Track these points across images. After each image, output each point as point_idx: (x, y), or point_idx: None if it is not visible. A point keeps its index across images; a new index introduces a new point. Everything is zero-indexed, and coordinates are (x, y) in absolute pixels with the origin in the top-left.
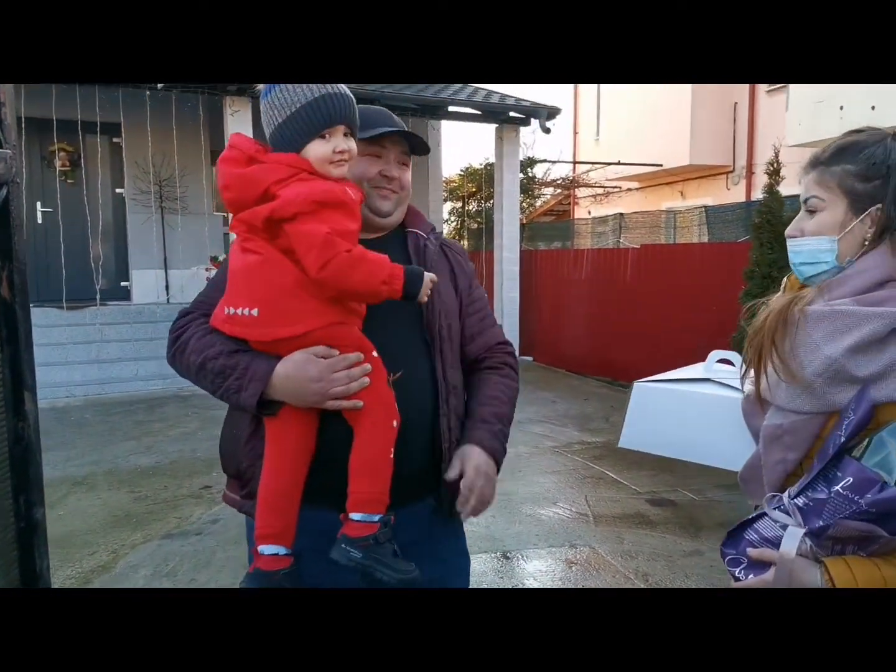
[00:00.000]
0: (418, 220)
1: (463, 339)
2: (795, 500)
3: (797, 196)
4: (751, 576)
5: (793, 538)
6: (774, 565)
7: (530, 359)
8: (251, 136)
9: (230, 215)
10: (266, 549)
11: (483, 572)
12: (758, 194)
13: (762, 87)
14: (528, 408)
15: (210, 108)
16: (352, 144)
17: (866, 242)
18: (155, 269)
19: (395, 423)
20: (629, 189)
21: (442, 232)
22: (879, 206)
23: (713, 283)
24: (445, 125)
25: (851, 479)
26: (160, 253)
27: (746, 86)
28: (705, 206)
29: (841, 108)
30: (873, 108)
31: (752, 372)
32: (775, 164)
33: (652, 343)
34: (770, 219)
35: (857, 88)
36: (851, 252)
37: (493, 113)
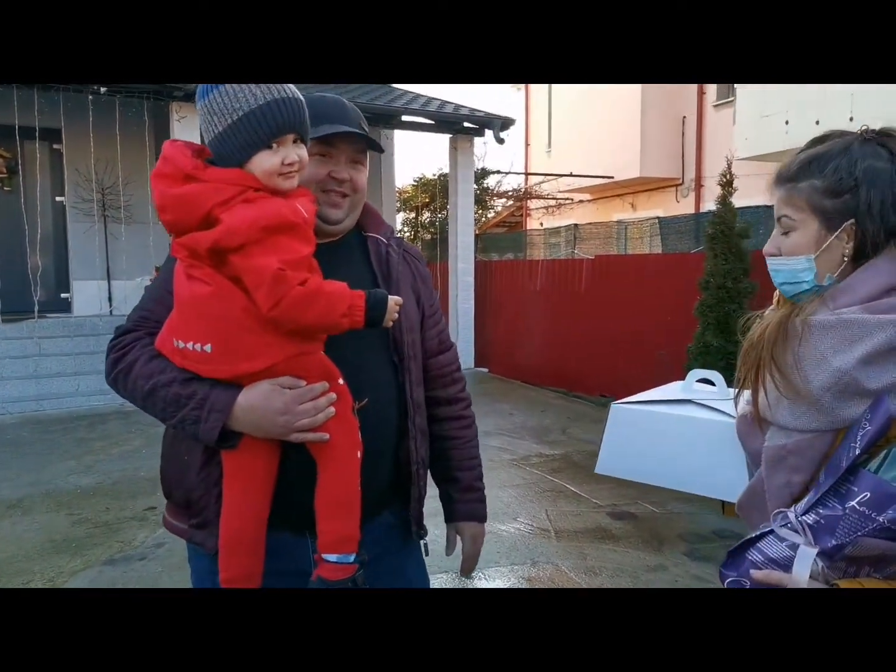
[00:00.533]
0: (377, 222)
1: (425, 353)
2: (805, 517)
3: (748, 207)
4: None
5: (805, 559)
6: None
7: (486, 370)
8: (199, 142)
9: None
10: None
11: None
12: (706, 206)
13: (709, 102)
14: (485, 420)
15: (156, 113)
16: (303, 153)
17: (845, 258)
18: (97, 279)
19: (359, 454)
20: (581, 201)
21: (402, 237)
22: (853, 220)
23: (668, 294)
24: (399, 134)
25: (869, 494)
26: (103, 263)
27: (694, 100)
28: (658, 218)
29: (786, 122)
30: (817, 122)
31: (747, 390)
32: (728, 176)
33: (607, 353)
34: (724, 230)
35: (802, 103)
36: (832, 269)
37: (447, 123)
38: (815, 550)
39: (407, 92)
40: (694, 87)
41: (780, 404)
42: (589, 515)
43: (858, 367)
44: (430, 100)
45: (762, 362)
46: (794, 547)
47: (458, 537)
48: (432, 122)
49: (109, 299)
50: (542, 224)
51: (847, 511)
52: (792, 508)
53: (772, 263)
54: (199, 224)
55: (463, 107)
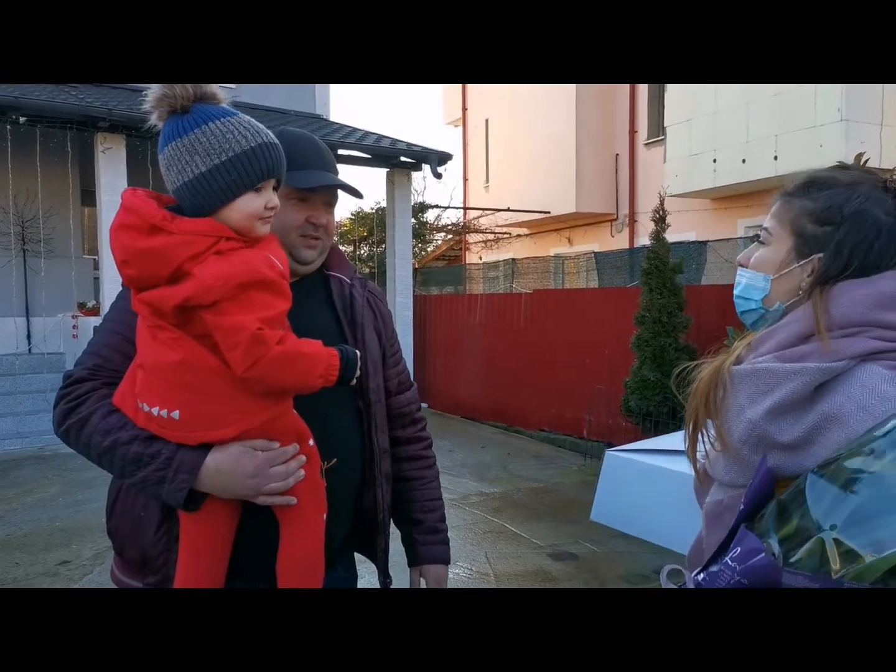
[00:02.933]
0: (339, 261)
1: (385, 393)
2: (697, 575)
3: (680, 243)
4: None
5: None
6: None
7: (426, 405)
8: (125, 175)
9: (98, 258)
10: None
11: None
12: (640, 241)
13: (641, 140)
14: None
15: (80, 144)
16: (276, 199)
17: (801, 291)
18: (14, 316)
19: (324, 516)
20: (519, 235)
21: (364, 277)
22: (821, 255)
23: (606, 328)
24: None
25: (739, 549)
26: (21, 299)
27: (626, 138)
28: (595, 252)
29: (714, 161)
30: (744, 161)
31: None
32: (661, 212)
33: (546, 388)
34: (658, 265)
35: (729, 143)
36: (784, 297)
37: (384, 157)
38: None
39: (343, 126)
40: (626, 125)
41: (718, 458)
42: (529, 557)
43: (768, 418)
44: (366, 134)
45: (699, 415)
46: None
47: (423, 580)
48: (369, 157)
49: (28, 337)
50: (480, 258)
51: (722, 566)
52: (694, 569)
53: (738, 273)
54: (166, 279)
55: (400, 141)
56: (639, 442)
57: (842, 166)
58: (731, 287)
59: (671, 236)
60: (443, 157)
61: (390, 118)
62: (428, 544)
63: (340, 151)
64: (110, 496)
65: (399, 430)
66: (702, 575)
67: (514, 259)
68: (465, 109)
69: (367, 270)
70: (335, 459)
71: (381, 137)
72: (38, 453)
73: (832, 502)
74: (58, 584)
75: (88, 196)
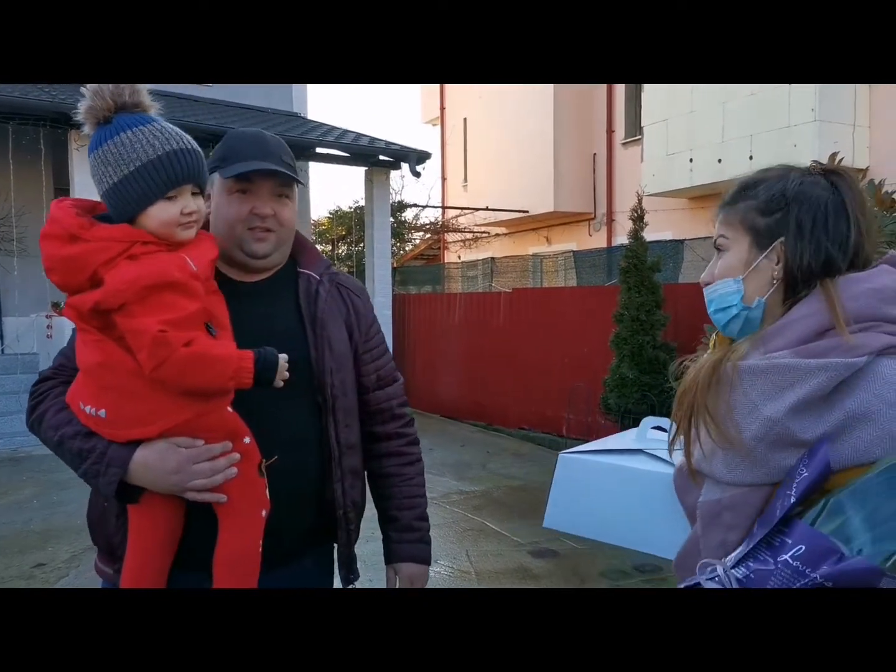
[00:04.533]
0: (311, 258)
1: (360, 389)
2: (734, 570)
3: (657, 242)
4: None
5: None
6: None
7: None
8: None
9: None
10: None
11: None
12: (618, 240)
13: (618, 140)
14: None
15: (53, 142)
16: (200, 204)
17: (775, 280)
18: None
19: (263, 513)
20: (497, 234)
21: (338, 270)
22: (782, 239)
23: (584, 326)
24: (314, 166)
25: (804, 548)
26: None
27: (604, 137)
28: (573, 251)
29: (690, 160)
30: (720, 160)
31: (681, 440)
32: (639, 211)
33: (525, 386)
34: (636, 263)
35: (705, 143)
36: (761, 291)
37: (363, 156)
38: None
39: (321, 124)
40: (603, 125)
41: (715, 456)
42: (510, 555)
43: (790, 416)
44: (345, 132)
45: (695, 410)
46: None
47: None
48: (347, 155)
49: (1, 337)
50: (459, 257)
51: (779, 565)
52: (721, 561)
53: (706, 293)
54: (87, 284)
55: (378, 140)
56: (589, 444)
57: (766, 168)
58: None
59: (649, 235)
60: (421, 156)
61: (368, 117)
62: (402, 542)
63: (318, 150)
64: (91, 493)
65: (378, 426)
66: (741, 570)
67: (492, 258)
68: (442, 108)
69: (345, 269)
70: (276, 458)
71: (359, 136)
72: (11, 455)
73: None
74: (33, 587)
75: (62, 194)
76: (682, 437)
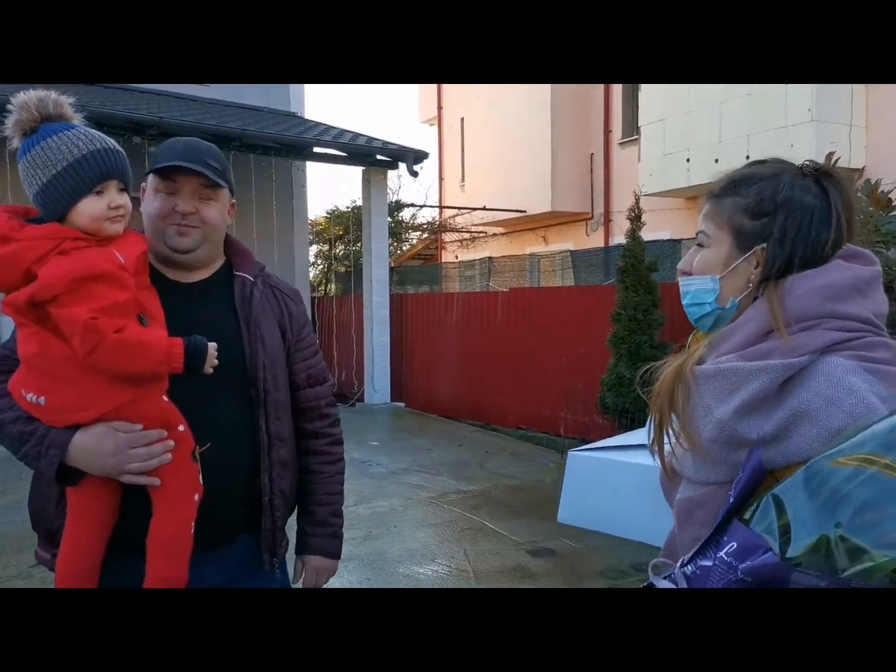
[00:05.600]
0: (245, 261)
1: (292, 385)
2: (685, 567)
3: (654, 241)
4: None
5: None
6: None
7: (403, 405)
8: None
9: None
10: None
11: None
12: (615, 240)
13: (615, 140)
14: (403, 457)
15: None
16: (126, 200)
17: (751, 284)
18: None
19: (196, 497)
20: (495, 234)
21: (270, 273)
22: (764, 245)
23: (582, 326)
24: (311, 166)
25: (735, 544)
26: None
27: (601, 137)
28: (570, 251)
29: (687, 160)
30: (717, 160)
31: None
32: (637, 211)
33: (523, 386)
34: (634, 263)
35: (702, 142)
36: (736, 293)
37: (360, 155)
38: None
39: (319, 123)
40: (601, 125)
41: (685, 456)
42: (508, 554)
43: (736, 417)
44: (342, 132)
45: (664, 414)
46: None
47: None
48: (345, 155)
49: None
50: (457, 257)
51: (717, 561)
52: (680, 560)
53: (682, 283)
54: (21, 282)
55: (376, 139)
56: (599, 441)
57: (760, 161)
58: None
59: (646, 235)
60: (419, 156)
61: (366, 116)
62: (315, 535)
63: (316, 149)
64: (32, 477)
65: (307, 423)
66: (689, 567)
67: (490, 258)
68: (440, 108)
69: (342, 269)
70: (209, 445)
71: (356, 135)
72: (9, 455)
73: (836, 499)
74: (31, 586)
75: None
76: (657, 440)
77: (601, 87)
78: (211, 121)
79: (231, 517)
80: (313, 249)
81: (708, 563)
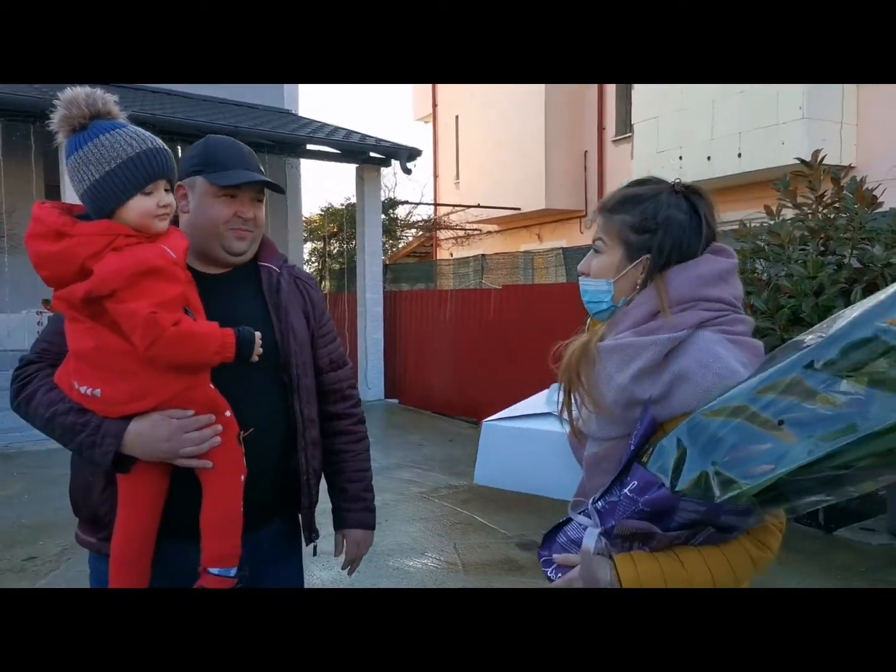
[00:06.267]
0: (270, 252)
1: (316, 370)
2: (596, 504)
3: None
4: (559, 575)
5: (591, 537)
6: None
7: (396, 401)
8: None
9: None
10: None
11: None
12: None
13: (609, 137)
14: (396, 453)
15: (43, 138)
16: (172, 199)
17: (637, 286)
18: None
19: (242, 478)
20: (489, 232)
21: (292, 263)
22: (648, 256)
23: (574, 322)
24: (306, 163)
25: (636, 482)
26: None
27: (595, 135)
28: (563, 248)
29: (680, 157)
30: (709, 158)
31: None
32: None
33: (515, 382)
34: None
35: (694, 140)
36: (626, 292)
37: (354, 152)
38: (598, 530)
39: (312, 120)
40: (595, 123)
41: (591, 418)
42: (497, 547)
43: (633, 381)
44: (336, 129)
45: (573, 384)
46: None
47: (345, 542)
48: (338, 152)
49: None
50: (451, 254)
51: (622, 497)
52: (592, 497)
53: (582, 283)
54: (75, 277)
55: (369, 137)
56: (507, 410)
57: (641, 182)
58: None
59: None
60: (412, 153)
61: (360, 114)
62: (351, 510)
63: (309, 146)
64: (71, 467)
65: (331, 406)
66: (600, 503)
67: (483, 255)
68: (435, 106)
69: (337, 267)
70: (252, 429)
71: (350, 133)
72: (2, 451)
73: (711, 443)
74: (24, 580)
75: (53, 191)
76: (566, 406)
77: (595, 84)
78: (203, 118)
79: (268, 497)
80: (308, 247)
81: (615, 499)
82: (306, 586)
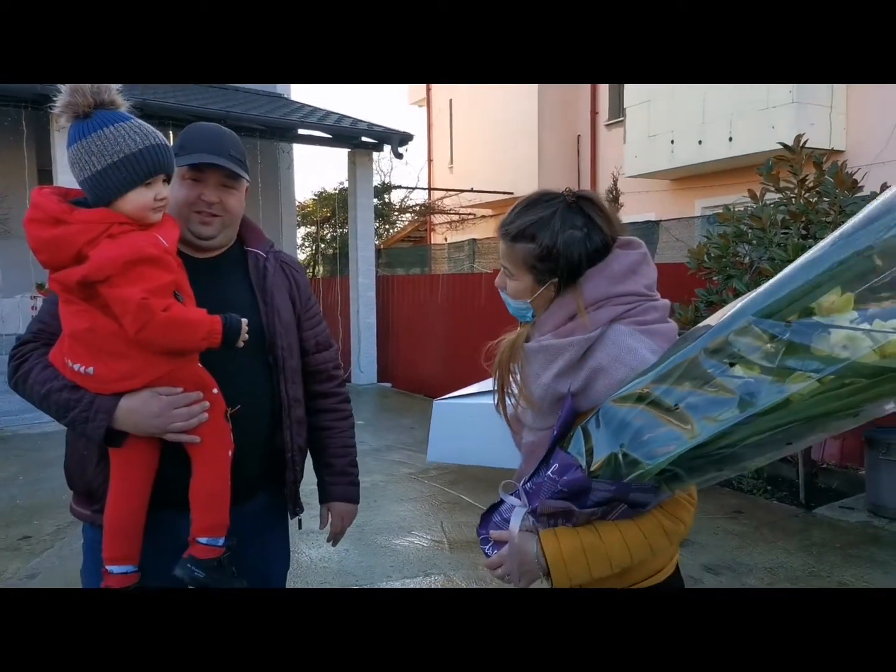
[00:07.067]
0: (256, 237)
1: (302, 351)
2: (525, 485)
3: (636, 223)
4: (495, 551)
5: (517, 516)
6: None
7: (389, 385)
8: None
9: None
10: (115, 568)
11: None
12: None
13: (602, 121)
14: (387, 435)
15: (35, 123)
16: (168, 192)
17: (553, 301)
18: None
19: (229, 453)
20: (483, 216)
21: (280, 249)
22: (556, 279)
23: None
24: (298, 148)
25: (557, 465)
26: None
27: (588, 119)
28: None
29: (672, 142)
30: (700, 142)
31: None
32: (614, 192)
33: None
34: None
35: (686, 124)
36: (544, 306)
37: (345, 137)
38: (525, 510)
39: (304, 105)
40: (587, 107)
41: (527, 411)
42: None
43: (555, 380)
44: (328, 113)
45: (504, 381)
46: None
47: (329, 515)
48: (330, 137)
49: None
50: (446, 239)
51: (545, 478)
52: (522, 480)
53: (504, 297)
54: (71, 261)
55: (361, 121)
56: (458, 391)
57: (535, 201)
58: (680, 266)
59: (631, 216)
60: (404, 138)
61: (355, 98)
62: (336, 484)
63: (300, 131)
64: (66, 443)
65: (317, 385)
66: (528, 485)
67: (474, 239)
68: (428, 90)
69: (330, 252)
70: (239, 406)
71: (342, 117)
72: None
73: (619, 428)
74: (19, 559)
75: (45, 175)
76: (501, 398)
77: None
78: (194, 102)
79: (254, 472)
80: (301, 232)
81: (540, 480)
82: (294, 564)
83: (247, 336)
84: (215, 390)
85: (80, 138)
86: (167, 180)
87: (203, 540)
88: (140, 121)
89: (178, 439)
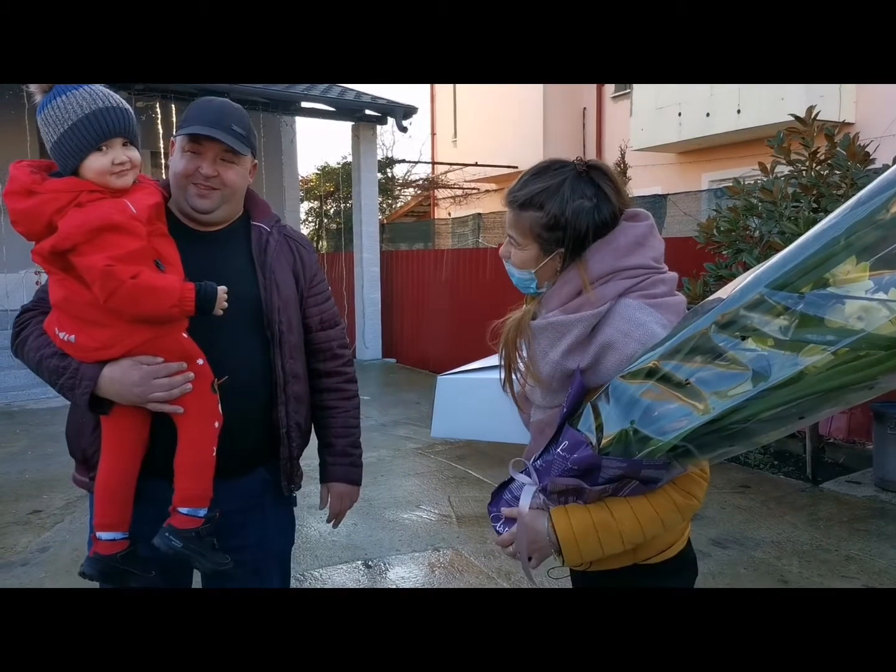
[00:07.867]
0: (262, 212)
1: (305, 328)
2: (535, 463)
3: (643, 196)
4: (506, 529)
5: (527, 494)
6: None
7: (394, 360)
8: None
9: None
10: (104, 535)
11: (343, 583)
12: None
13: (608, 94)
14: (392, 410)
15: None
16: (133, 154)
17: (557, 272)
18: None
19: (216, 424)
20: (487, 190)
21: (286, 224)
22: (562, 250)
23: None
24: (300, 121)
25: (567, 442)
26: None
27: (594, 92)
28: None
29: (679, 114)
30: (708, 114)
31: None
32: (622, 165)
33: None
34: None
35: (694, 96)
36: (549, 278)
37: (349, 110)
38: (535, 487)
39: None
40: None
41: (535, 389)
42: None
43: (564, 356)
44: (330, 87)
45: (511, 359)
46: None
47: (329, 496)
48: (333, 110)
49: None
50: (450, 213)
51: (555, 456)
52: (532, 457)
53: (507, 268)
54: (45, 232)
55: (364, 94)
56: (463, 366)
57: (544, 169)
58: (689, 240)
59: (638, 190)
60: (408, 111)
61: None
62: (336, 465)
63: (304, 104)
64: (69, 410)
65: (320, 364)
66: (538, 462)
67: (479, 214)
68: None
69: (333, 227)
70: (226, 377)
71: (345, 90)
72: (5, 409)
73: (629, 404)
74: (29, 532)
75: (46, 151)
76: (508, 377)
77: None
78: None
79: (249, 447)
80: (304, 206)
81: (550, 458)
82: (303, 538)
83: (225, 304)
84: (201, 361)
85: (41, 111)
86: (128, 144)
87: (184, 510)
88: (97, 86)
89: (160, 409)
